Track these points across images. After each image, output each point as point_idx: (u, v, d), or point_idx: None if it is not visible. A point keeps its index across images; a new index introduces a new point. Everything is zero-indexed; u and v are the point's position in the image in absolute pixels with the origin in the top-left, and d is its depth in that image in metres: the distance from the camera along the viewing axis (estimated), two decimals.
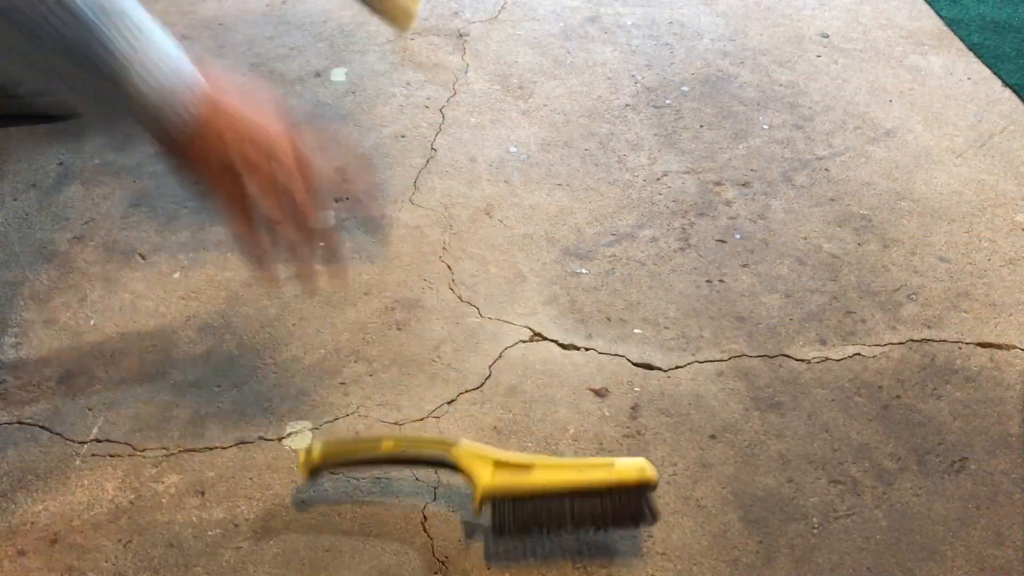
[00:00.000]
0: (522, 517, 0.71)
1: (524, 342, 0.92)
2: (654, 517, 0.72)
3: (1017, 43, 1.33)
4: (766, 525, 0.77)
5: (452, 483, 0.80)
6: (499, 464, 0.72)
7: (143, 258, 1.01)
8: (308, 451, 0.74)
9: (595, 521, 0.72)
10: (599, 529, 0.73)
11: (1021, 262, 1.00)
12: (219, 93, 0.64)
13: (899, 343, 0.92)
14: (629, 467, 0.71)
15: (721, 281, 0.98)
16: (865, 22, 1.39)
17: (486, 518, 0.73)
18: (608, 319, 0.94)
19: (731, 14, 1.41)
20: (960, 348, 0.91)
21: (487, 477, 0.71)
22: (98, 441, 0.83)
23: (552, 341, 0.91)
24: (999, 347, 0.91)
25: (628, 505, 0.71)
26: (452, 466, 0.73)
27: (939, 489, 0.79)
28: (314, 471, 0.75)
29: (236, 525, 0.77)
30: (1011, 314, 0.94)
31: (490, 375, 0.89)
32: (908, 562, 0.74)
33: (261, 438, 0.83)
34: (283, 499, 0.78)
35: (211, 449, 0.82)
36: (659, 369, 0.89)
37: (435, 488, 0.79)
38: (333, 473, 0.80)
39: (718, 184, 1.10)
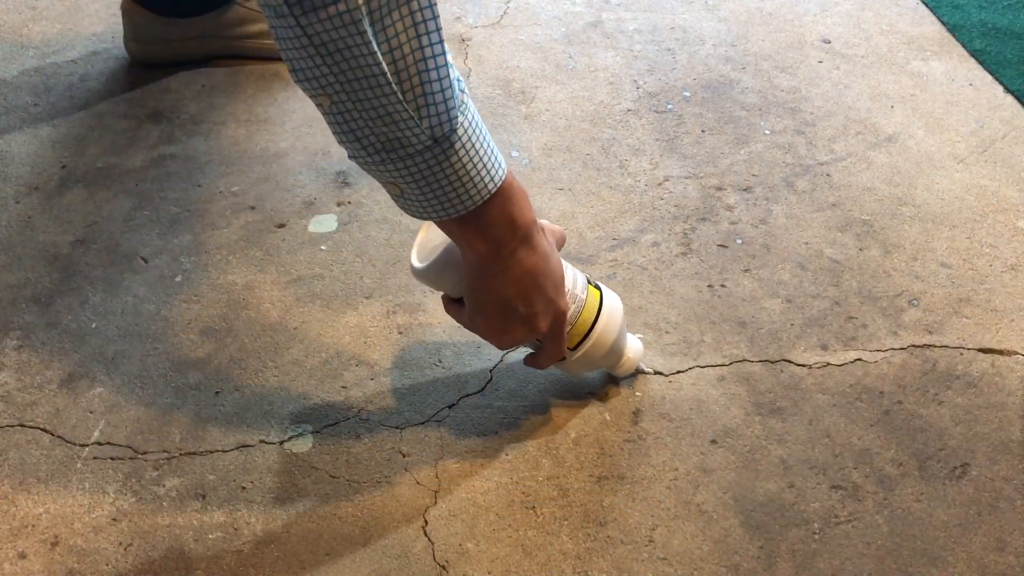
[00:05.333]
0: None
1: (526, 346, 0.92)
2: None
3: (1019, 49, 1.33)
4: (767, 530, 0.77)
5: (453, 487, 0.80)
6: None
7: (145, 261, 1.01)
8: None
9: None
10: None
11: (1022, 268, 1.00)
12: (521, 188, 0.71)
13: (900, 348, 0.92)
14: None
15: (722, 286, 0.98)
16: (867, 28, 1.39)
17: None
18: None
19: (733, 20, 1.41)
20: (962, 354, 0.91)
21: None
22: (99, 444, 0.83)
23: None
24: (1001, 353, 0.91)
25: None
26: None
27: (940, 495, 0.79)
28: None
29: (237, 529, 0.77)
30: (1013, 320, 0.94)
31: (491, 379, 0.89)
32: (909, 568, 0.74)
33: (262, 441, 0.83)
34: (284, 503, 0.78)
35: (212, 452, 0.82)
36: (660, 374, 0.89)
37: (436, 492, 0.79)
38: (334, 476, 0.80)
39: (720, 189, 1.10)
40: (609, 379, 0.88)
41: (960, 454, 0.82)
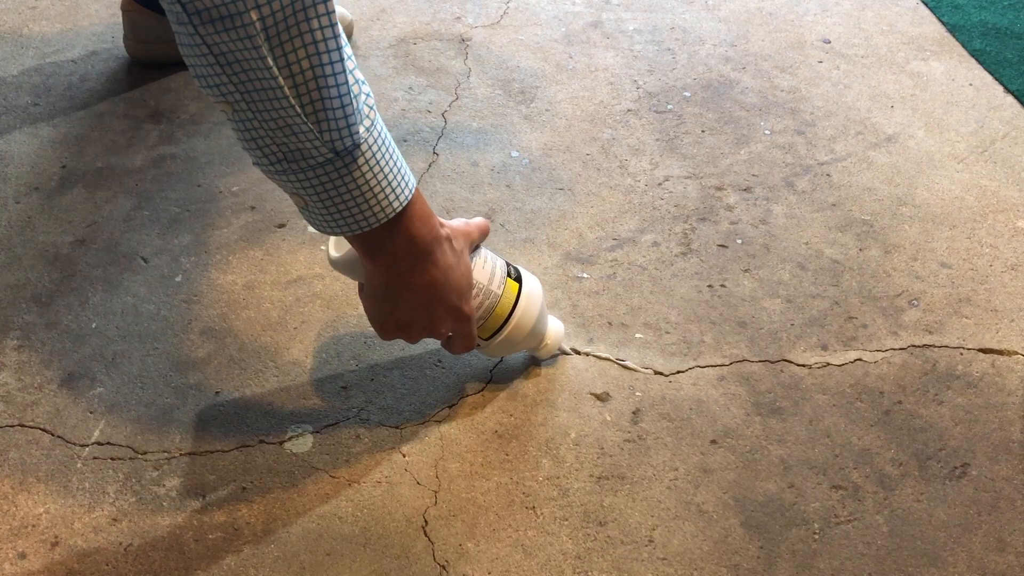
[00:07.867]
0: None
1: None
2: None
3: (1019, 49, 1.33)
4: (767, 530, 0.77)
5: (453, 487, 0.80)
6: None
7: (145, 261, 1.01)
8: None
9: None
10: None
11: (1023, 268, 1.00)
12: (427, 207, 0.71)
13: (900, 348, 0.92)
14: None
15: (722, 286, 0.98)
16: (867, 28, 1.39)
17: None
18: (609, 324, 0.94)
19: (733, 20, 1.41)
20: (962, 354, 0.91)
21: None
22: (99, 444, 0.83)
23: None
24: (1001, 353, 0.91)
25: None
26: None
27: (940, 495, 0.79)
28: None
29: (237, 529, 0.77)
30: (1012, 320, 0.94)
31: (491, 379, 0.89)
32: (909, 568, 0.74)
33: (262, 441, 0.83)
34: (284, 503, 0.78)
35: (212, 452, 0.82)
36: (660, 374, 0.89)
37: (436, 492, 0.79)
38: (334, 476, 0.80)
39: (720, 189, 1.10)
40: (609, 380, 0.88)
41: (960, 454, 0.82)
